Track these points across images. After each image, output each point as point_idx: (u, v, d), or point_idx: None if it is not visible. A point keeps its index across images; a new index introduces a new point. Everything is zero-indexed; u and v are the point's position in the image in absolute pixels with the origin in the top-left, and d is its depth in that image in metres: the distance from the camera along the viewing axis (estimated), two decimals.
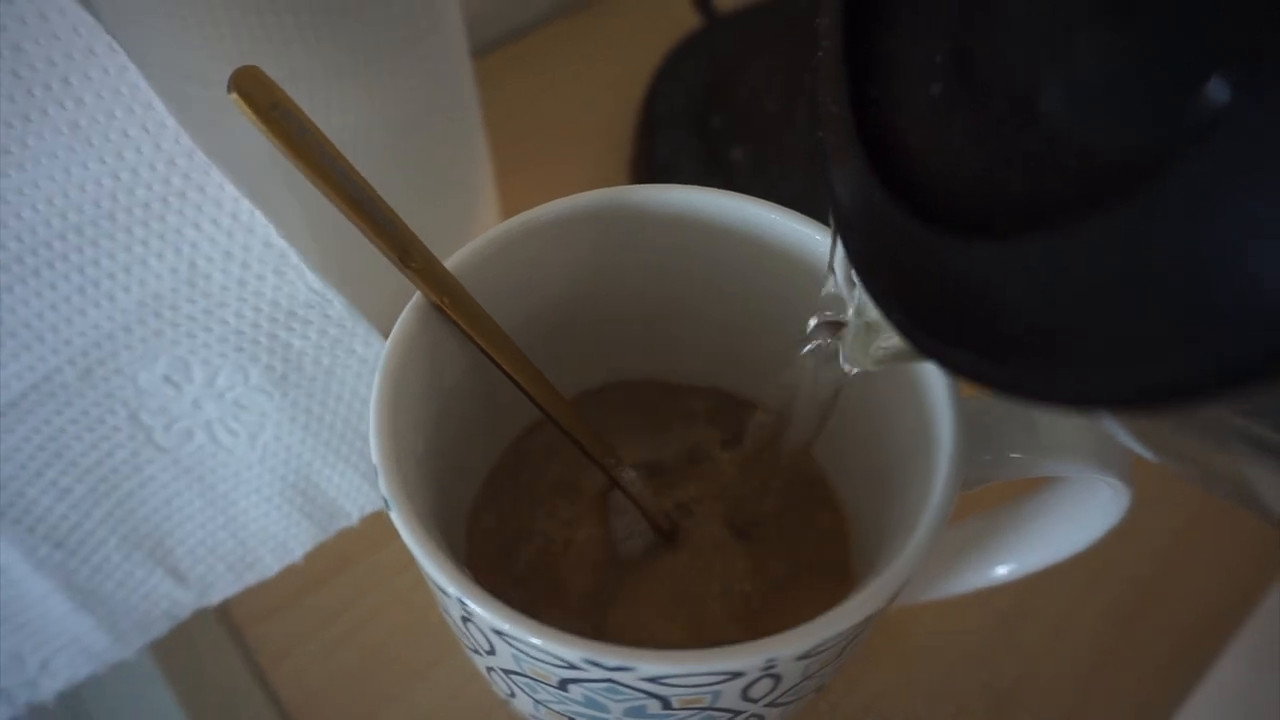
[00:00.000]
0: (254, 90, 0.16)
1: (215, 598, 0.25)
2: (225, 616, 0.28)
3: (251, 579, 0.25)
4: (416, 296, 0.19)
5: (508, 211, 0.20)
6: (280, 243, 0.19)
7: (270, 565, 0.25)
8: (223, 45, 0.23)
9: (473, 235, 0.20)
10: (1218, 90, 0.08)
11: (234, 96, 0.16)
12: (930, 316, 0.12)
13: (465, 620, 0.17)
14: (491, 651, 0.18)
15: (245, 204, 0.19)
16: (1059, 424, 0.19)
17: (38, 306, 0.19)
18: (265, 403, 0.22)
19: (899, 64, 0.14)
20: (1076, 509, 0.21)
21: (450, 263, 0.19)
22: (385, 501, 0.17)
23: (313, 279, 0.20)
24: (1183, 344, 0.08)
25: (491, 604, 0.16)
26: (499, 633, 0.16)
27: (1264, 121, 0.08)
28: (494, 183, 0.33)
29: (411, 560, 0.28)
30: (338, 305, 0.21)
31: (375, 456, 0.17)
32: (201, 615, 0.26)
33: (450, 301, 0.18)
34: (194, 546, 0.24)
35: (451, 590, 0.16)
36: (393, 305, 0.19)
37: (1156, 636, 0.30)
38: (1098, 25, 0.10)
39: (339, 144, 0.17)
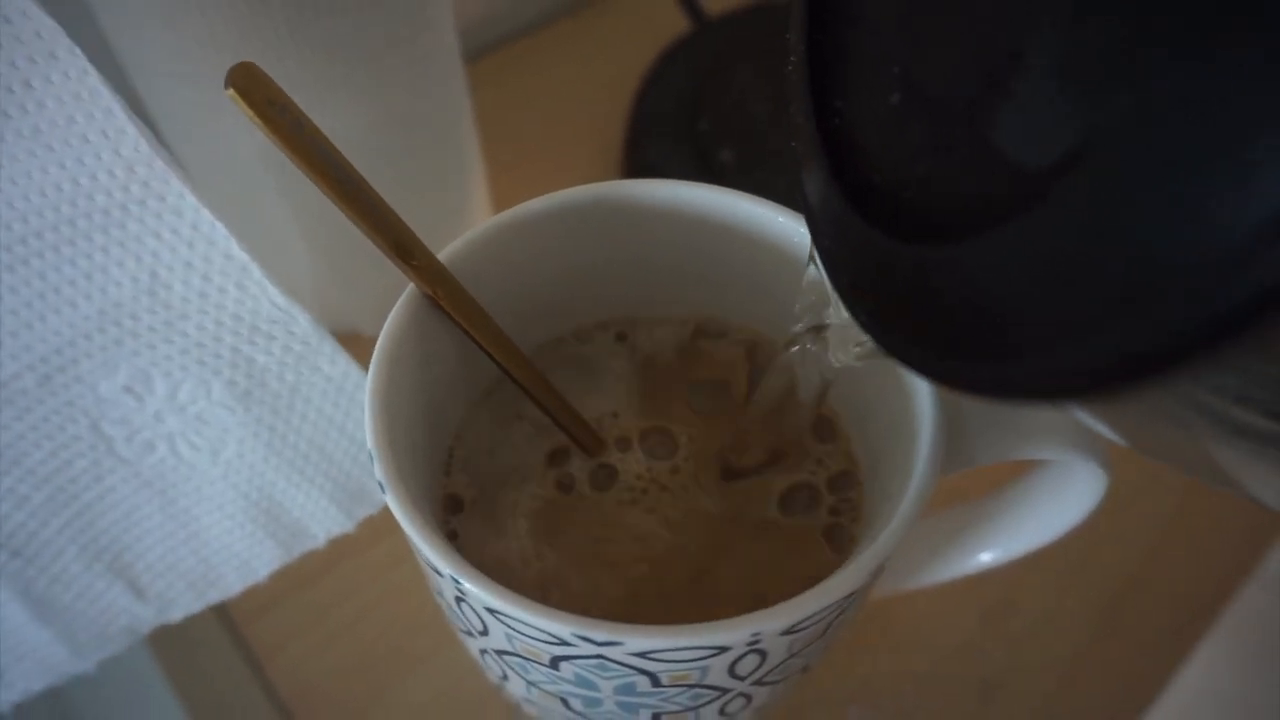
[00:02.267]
0: (250, 87, 0.16)
1: (176, 615, 0.25)
2: (222, 612, 0.28)
3: (214, 597, 0.25)
4: (410, 288, 0.19)
5: (499, 211, 0.21)
6: (241, 256, 0.19)
7: (233, 584, 0.25)
8: (217, 48, 0.23)
9: (463, 233, 0.21)
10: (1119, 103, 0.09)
11: (231, 93, 0.16)
12: (890, 315, 0.13)
13: (459, 600, 0.18)
14: (485, 632, 0.18)
15: (205, 215, 0.18)
16: (1033, 411, 0.19)
17: None
18: (228, 418, 0.21)
19: (861, 76, 0.14)
20: (1056, 494, 0.22)
21: (443, 255, 0.20)
22: (380, 485, 0.17)
23: (276, 294, 0.20)
24: (1105, 333, 0.09)
25: (485, 582, 0.16)
26: (492, 611, 0.17)
27: (1132, 136, 0.09)
28: (486, 183, 0.34)
29: (402, 557, 0.29)
30: (302, 322, 0.20)
31: (370, 442, 0.18)
32: (199, 613, 0.26)
33: (443, 292, 0.19)
34: (154, 561, 0.24)
35: (446, 570, 0.16)
36: (383, 303, 0.19)
37: (1140, 627, 0.30)
38: (1025, 51, 0.11)
39: (333, 142, 0.17)
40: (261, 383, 0.21)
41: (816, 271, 0.17)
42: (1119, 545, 0.32)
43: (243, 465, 0.22)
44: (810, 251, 0.17)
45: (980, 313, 0.11)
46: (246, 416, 0.22)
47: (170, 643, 0.27)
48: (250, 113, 0.16)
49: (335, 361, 0.21)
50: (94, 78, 0.17)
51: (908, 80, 0.13)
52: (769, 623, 0.16)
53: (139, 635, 0.25)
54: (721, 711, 0.20)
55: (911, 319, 0.12)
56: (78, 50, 0.17)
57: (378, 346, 0.19)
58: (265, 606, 0.28)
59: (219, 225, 0.19)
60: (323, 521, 0.24)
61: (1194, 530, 0.32)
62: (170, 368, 0.20)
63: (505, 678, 0.20)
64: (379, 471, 0.17)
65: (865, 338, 0.16)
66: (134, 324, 0.20)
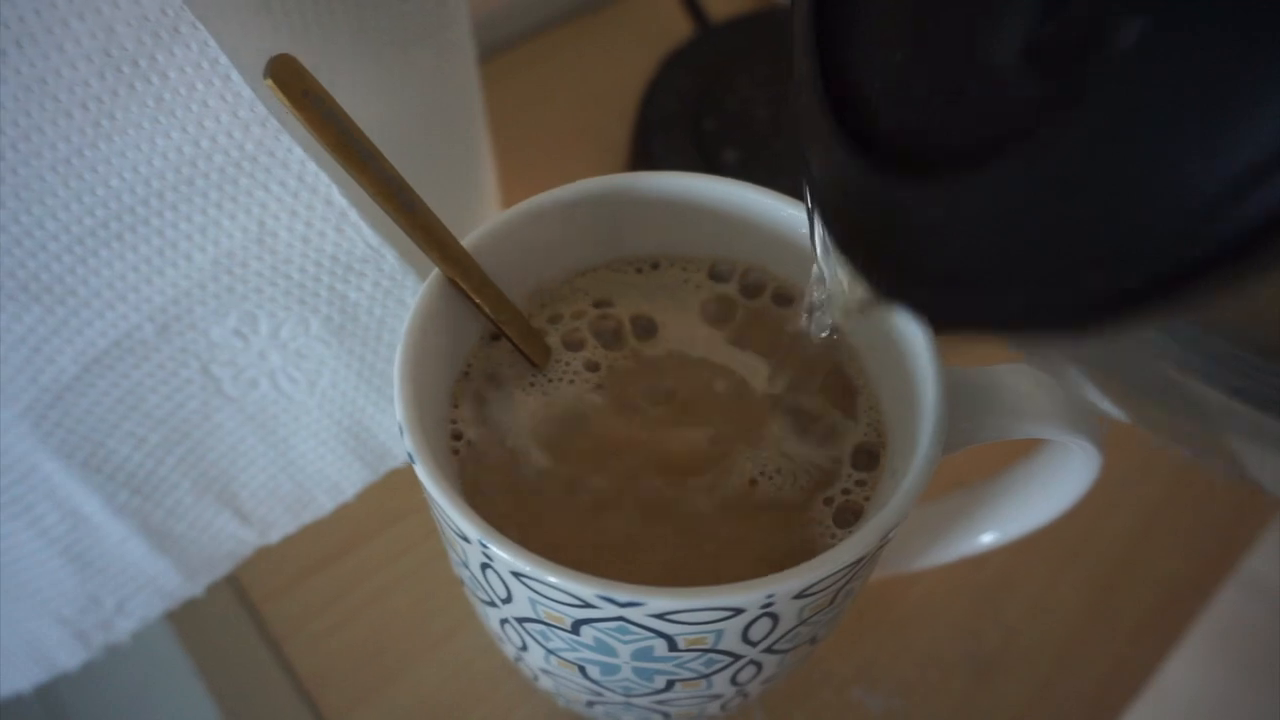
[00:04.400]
0: (288, 78, 0.17)
1: (275, 536, 0.27)
2: (241, 593, 0.30)
3: (308, 518, 0.27)
4: (435, 272, 0.20)
5: (509, 207, 0.22)
6: (341, 201, 0.21)
7: (324, 505, 0.27)
8: (244, 41, 0.24)
9: (473, 226, 0.22)
10: (1125, 38, 0.09)
11: (269, 83, 0.17)
12: (884, 258, 0.14)
13: (485, 567, 0.18)
14: (508, 599, 0.19)
15: (311, 165, 0.21)
16: (1030, 391, 0.20)
17: (120, 268, 0.21)
18: (324, 351, 0.24)
19: (867, 29, 0.15)
20: (1053, 476, 0.23)
21: (466, 241, 0.21)
22: (410, 455, 0.18)
23: (370, 234, 0.22)
24: (1079, 270, 0.10)
25: (511, 547, 0.17)
26: (517, 575, 0.17)
27: (1162, 57, 0.09)
28: (496, 179, 0.35)
29: (416, 542, 0.31)
30: (390, 259, 0.23)
31: (399, 415, 0.19)
32: (219, 593, 0.28)
33: (464, 276, 0.20)
34: (257, 489, 0.26)
35: (473, 535, 0.17)
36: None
37: (1132, 609, 0.31)
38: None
39: None
40: (354, 317, 0.24)
41: (816, 254, 0.18)
42: (1111, 530, 0.33)
43: (336, 394, 0.25)
44: (811, 238, 0.18)
45: (970, 249, 0.11)
46: (340, 349, 0.24)
47: (192, 622, 0.29)
48: (287, 102, 0.17)
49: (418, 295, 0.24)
50: (214, 48, 0.19)
51: (913, 28, 0.14)
52: (783, 585, 0.17)
53: (242, 558, 0.27)
54: (733, 680, 0.21)
55: (906, 259, 0.13)
56: (199, 25, 0.18)
57: (406, 326, 0.20)
58: (284, 588, 0.30)
59: (322, 175, 0.21)
60: (402, 443, 0.27)
61: (1183, 515, 0.33)
62: (274, 309, 0.23)
63: (524, 648, 0.21)
64: (409, 443, 0.18)
65: (859, 296, 0.17)
66: (243, 271, 0.22)
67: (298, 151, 0.20)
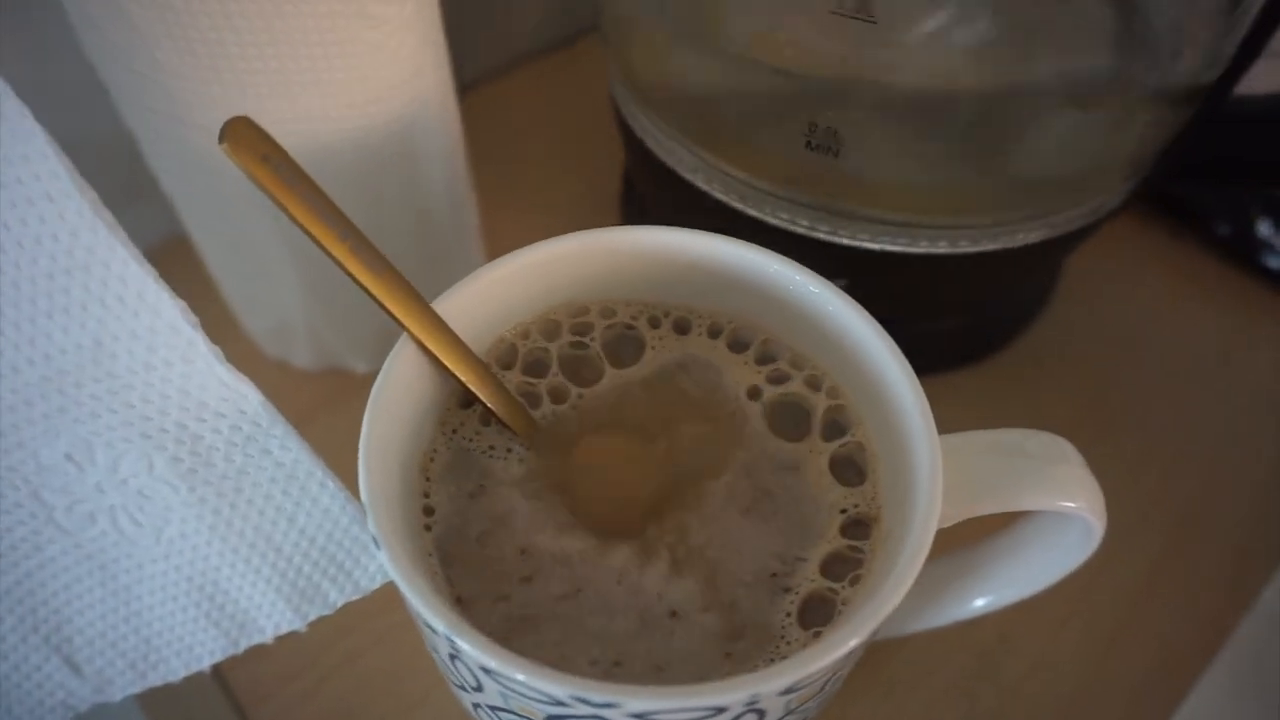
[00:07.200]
0: (244, 141, 0.17)
1: (115, 694, 0.23)
2: None
3: (156, 680, 0.23)
4: (402, 339, 0.20)
5: (492, 247, 0.23)
6: (188, 329, 0.18)
7: (176, 669, 0.23)
8: (209, 91, 0.23)
9: (457, 273, 0.21)
10: None
11: (224, 147, 0.17)
12: None
13: (453, 658, 0.18)
14: (479, 688, 0.18)
15: (151, 284, 0.17)
16: (1032, 462, 0.20)
17: None
18: (170, 496, 0.20)
19: None
20: (1051, 544, 0.22)
21: (436, 303, 0.20)
22: (374, 540, 0.18)
23: (223, 371, 0.19)
24: None
25: (480, 641, 0.16)
26: (487, 670, 0.17)
27: None
28: (479, 220, 0.34)
29: (394, 603, 0.28)
30: (253, 401, 0.19)
31: (364, 496, 0.18)
32: None
33: (433, 340, 0.20)
34: (93, 637, 0.22)
35: (440, 628, 0.17)
36: (375, 341, 0.20)
37: (1130, 670, 0.30)
38: None
39: (326, 186, 0.18)
40: (207, 462, 0.20)
41: None
42: (1112, 584, 0.31)
43: (185, 547, 0.21)
44: None
45: None
46: (190, 496, 0.20)
47: (157, 690, 0.26)
48: (243, 167, 0.17)
49: (287, 446, 0.20)
50: (41, 139, 0.16)
51: None
52: (767, 683, 0.16)
53: (75, 712, 0.23)
54: None
55: None
56: (27, 111, 0.16)
57: (371, 399, 0.19)
58: (252, 652, 0.27)
59: (165, 294, 0.18)
60: (271, 616, 0.22)
61: (1186, 568, 0.32)
62: (112, 439, 0.19)
63: None
64: (372, 526, 0.18)
65: None
66: (77, 392, 0.19)
67: (134, 267, 0.17)
